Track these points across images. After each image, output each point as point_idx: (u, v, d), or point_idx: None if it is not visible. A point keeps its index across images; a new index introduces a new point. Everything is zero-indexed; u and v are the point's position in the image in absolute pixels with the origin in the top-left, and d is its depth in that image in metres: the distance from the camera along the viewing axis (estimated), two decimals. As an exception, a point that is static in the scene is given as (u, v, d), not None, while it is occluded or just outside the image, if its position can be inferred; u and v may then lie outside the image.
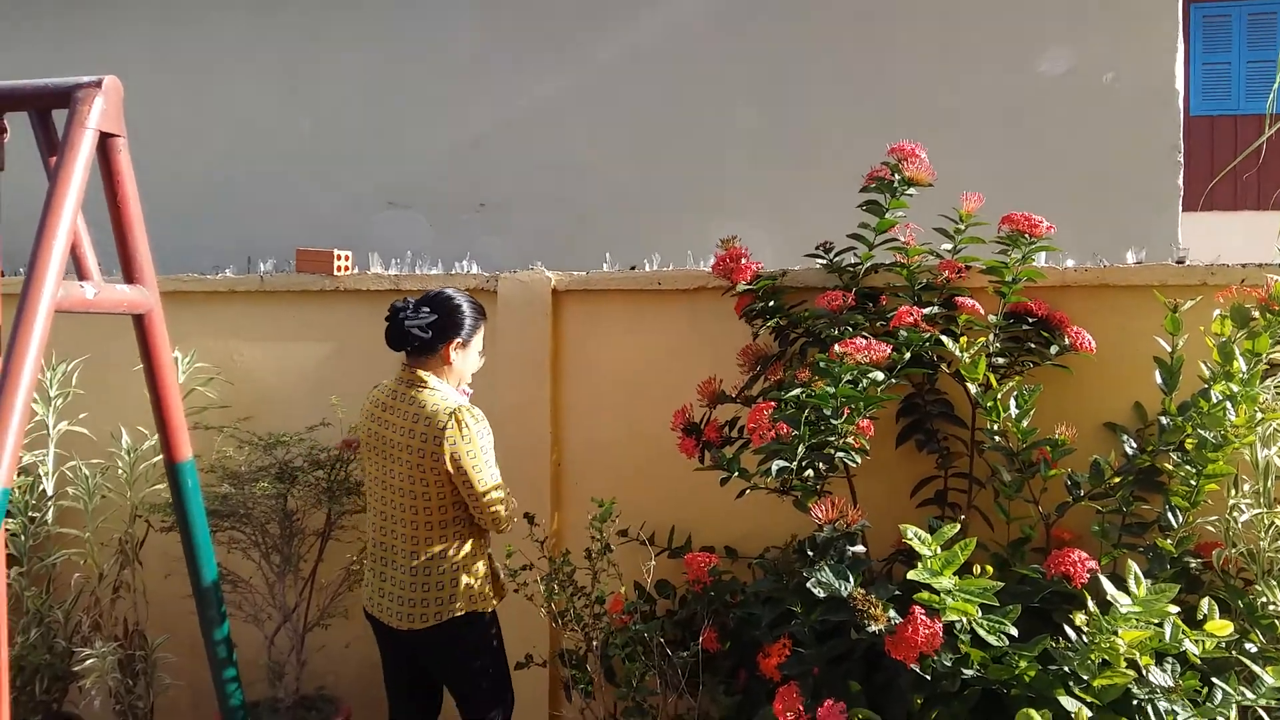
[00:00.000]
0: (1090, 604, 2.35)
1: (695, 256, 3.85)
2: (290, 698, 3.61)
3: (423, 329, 2.90)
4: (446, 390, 2.95)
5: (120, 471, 3.77)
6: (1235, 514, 2.84)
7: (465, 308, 3.02)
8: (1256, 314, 2.52)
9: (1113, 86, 4.00)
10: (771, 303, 3.41)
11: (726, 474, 2.87)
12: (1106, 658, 2.37)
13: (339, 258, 4.10)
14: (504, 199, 4.96)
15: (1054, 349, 3.20)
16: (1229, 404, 2.49)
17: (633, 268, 3.87)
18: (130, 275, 2.69)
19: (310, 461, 3.68)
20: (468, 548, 2.92)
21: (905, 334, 2.85)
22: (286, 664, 3.63)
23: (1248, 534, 2.86)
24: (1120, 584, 2.57)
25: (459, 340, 2.99)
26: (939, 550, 2.37)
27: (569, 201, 4.83)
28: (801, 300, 3.48)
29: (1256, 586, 2.77)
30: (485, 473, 2.85)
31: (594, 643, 2.86)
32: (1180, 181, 4.06)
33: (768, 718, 2.60)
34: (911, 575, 2.34)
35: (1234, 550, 2.80)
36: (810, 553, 2.67)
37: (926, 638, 2.31)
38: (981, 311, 3.17)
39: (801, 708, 2.51)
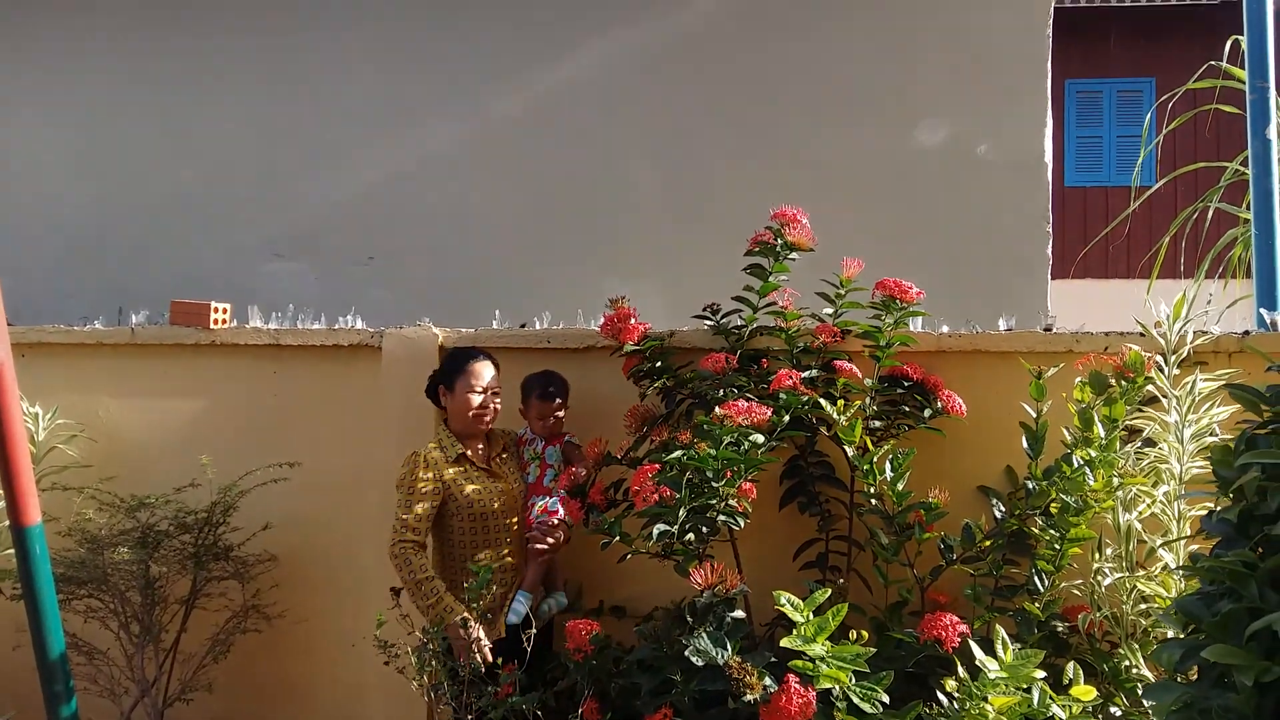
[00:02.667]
0: (960, 670, 2.38)
1: (586, 315, 3.85)
2: (149, 782, 3.41)
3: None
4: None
5: (-32, 535, 3.53)
6: (1099, 578, 2.93)
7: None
8: (1114, 381, 2.61)
9: (986, 157, 4.17)
10: (659, 364, 3.42)
11: (607, 539, 2.83)
12: (976, 723, 2.40)
13: (216, 310, 3.96)
14: (395, 252, 4.90)
15: (927, 412, 3.28)
16: (1088, 469, 2.58)
17: (523, 325, 3.84)
18: (-23, 329, 2.55)
19: (177, 525, 3.51)
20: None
21: (785, 397, 2.88)
22: (145, 744, 3.43)
23: (1112, 597, 2.95)
24: (990, 648, 2.62)
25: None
26: (811, 616, 2.37)
27: (461, 255, 4.79)
28: (689, 361, 3.50)
29: (1120, 650, 2.85)
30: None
31: (469, 718, 2.77)
32: (1049, 250, 4.24)
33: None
34: (785, 642, 2.34)
35: (1099, 614, 2.88)
36: (689, 619, 2.65)
37: (800, 707, 2.30)
38: (859, 375, 3.23)
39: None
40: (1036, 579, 2.81)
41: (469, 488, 3.28)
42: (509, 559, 3.31)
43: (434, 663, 2.78)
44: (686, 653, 2.45)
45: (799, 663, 2.40)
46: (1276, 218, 3.83)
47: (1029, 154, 4.16)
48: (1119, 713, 2.80)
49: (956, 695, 2.40)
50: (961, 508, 3.16)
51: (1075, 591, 3.00)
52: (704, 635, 2.45)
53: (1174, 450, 2.88)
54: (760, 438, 2.75)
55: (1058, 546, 2.75)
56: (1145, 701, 2.62)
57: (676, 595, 3.34)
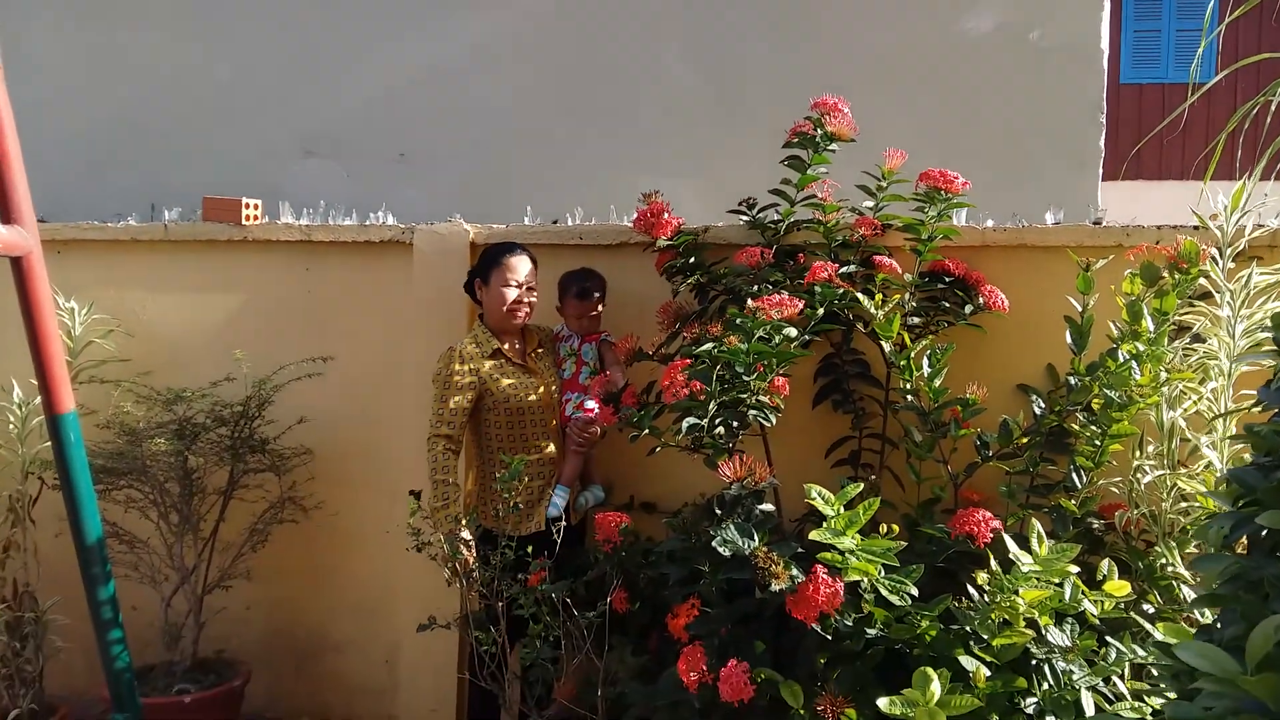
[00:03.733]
0: (993, 563, 2.34)
1: (619, 212, 3.77)
2: (187, 660, 3.50)
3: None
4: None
5: (11, 426, 3.59)
6: (1139, 475, 2.87)
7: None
8: (1166, 273, 2.51)
9: (1038, 44, 3.97)
10: (692, 259, 3.35)
11: (636, 431, 2.80)
12: (1007, 617, 2.38)
13: (247, 206, 3.94)
14: (426, 149, 4.81)
15: (968, 309, 3.20)
16: (1134, 363, 2.49)
17: (554, 222, 3.78)
18: (7, 215, 2.54)
19: (213, 418, 3.54)
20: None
21: (820, 290, 2.81)
22: (184, 626, 3.52)
23: (1150, 495, 2.89)
24: (1024, 544, 2.59)
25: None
26: (841, 510, 2.34)
27: (493, 153, 4.69)
28: (723, 257, 3.43)
29: (1156, 548, 2.80)
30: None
31: (500, 604, 2.80)
32: (1101, 143, 4.06)
33: (672, 678, 2.57)
34: (814, 535, 2.32)
35: (1136, 512, 2.82)
36: (718, 511, 2.63)
37: (828, 597, 2.29)
38: (898, 270, 3.15)
39: (705, 668, 2.49)
40: (1075, 475, 2.75)
41: (505, 382, 3.27)
42: (547, 453, 3.32)
43: (465, 549, 2.79)
44: (714, 543, 2.43)
45: (828, 554, 2.38)
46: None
47: (1084, 40, 3.95)
48: (1151, 609, 2.76)
49: (987, 589, 2.37)
50: (1001, 406, 3.09)
51: (1113, 490, 2.95)
52: (731, 526, 2.43)
53: (1224, 345, 2.78)
54: (793, 331, 2.69)
55: (1098, 443, 2.68)
56: (1193, 575, 2.59)
57: (707, 491, 3.36)
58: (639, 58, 4.80)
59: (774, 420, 2.90)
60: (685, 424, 2.61)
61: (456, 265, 3.67)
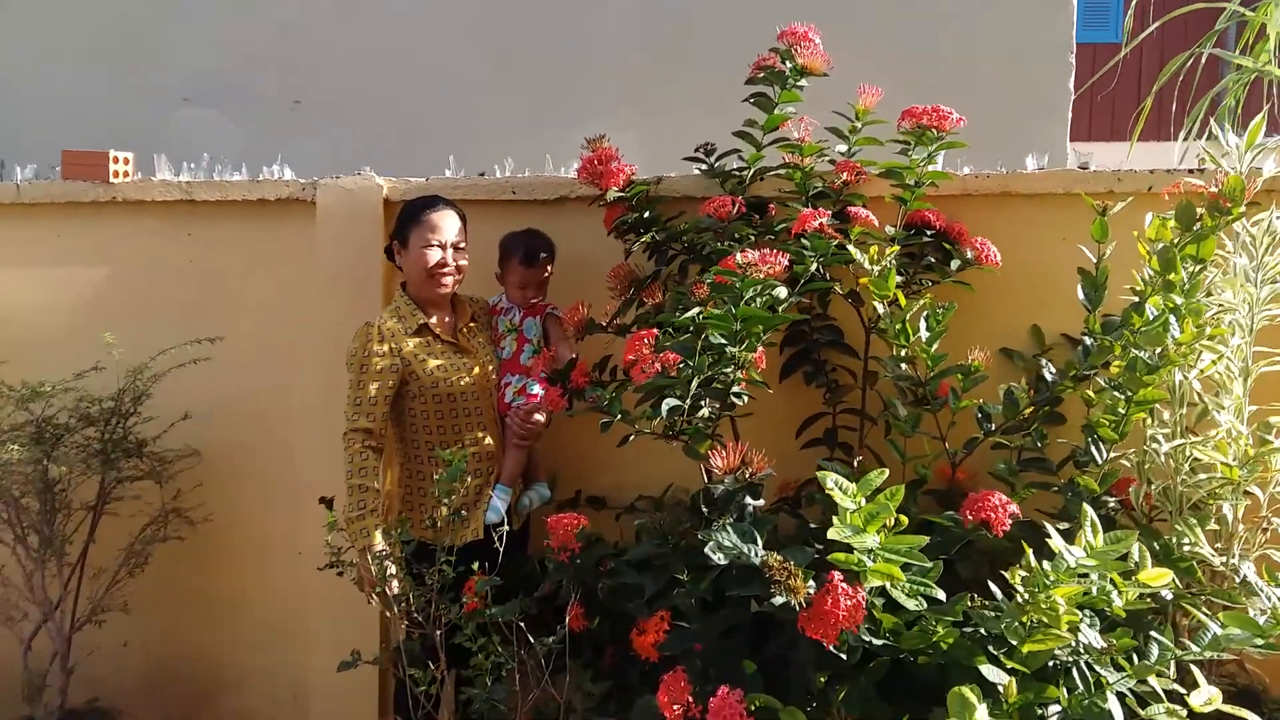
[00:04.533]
0: (1031, 556, 2.01)
1: (555, 164, 3.32)
2: (54, 714, 2.95)
3: None
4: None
5: None
6: (1153, 445, 2.58)
7: None
8: (1205, 214, 2.20)
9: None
10: (646, 214, 2.93)
11: (608, 418, 2.37)
12: (1045, 619, 2.05)
13: (116, 161, 3.36)
14: (328, 97, 4.23)
15: (954, 264, 2.87)
16: (1172, 318, 2.17)
17: (481, 174, 3.30)
18: None
19: (79, 416, 2.99)
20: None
21: (809, 242, 2.42)
22: (49, 673, 2.99)
23: (1160, 468, 2.61)
24: (1034, 532, 2.29)
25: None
26: (863, 502, 1.97)
27: (404, 101, 4.13)
28: (679, 212, 3.04)
29: (1177, 526, 2.51)
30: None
31: (439, 633, 2.35)
32: (1071, 85, 3.78)
33: (649, 711, 2.17)
34: (832, 533, 1.94)
35: (1152, 487, 2.54)
36: (705, 509, 2.24)
37: (849, 611, 1.92)
38: (876, 223, 2.78)
39: (690, 698, 2.09)
40: (1094, 448, 2.44)
41: (432, 363, 2.81)
42: (484, 446, 2.87)
43: (398, 570, 2.33)
44: (708, 549, 2.03)
45: (841, 556, 2.01)
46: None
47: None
48: (1170, 596, 2.49)
49: (1025, 587, 2.03)
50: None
51: (1124, 463, 2.65)
52: (729, 529, 2.04)
53: (1246, 297, 2.50)
54: (783, 291, 2.30)
55: (1122, 410, 2.36)
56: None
57: (661, 483, 3.05)
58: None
59: (744, 399, 2.52)
60: (665, 406, 2.20)
61: (369, 226, 3.19)
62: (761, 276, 2.14)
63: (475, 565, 2.39)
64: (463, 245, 2.89)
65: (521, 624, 2.31)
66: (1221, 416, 2.53)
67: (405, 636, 2.39)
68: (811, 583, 1.95)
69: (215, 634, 3.41)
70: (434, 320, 2.87)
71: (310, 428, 3.21)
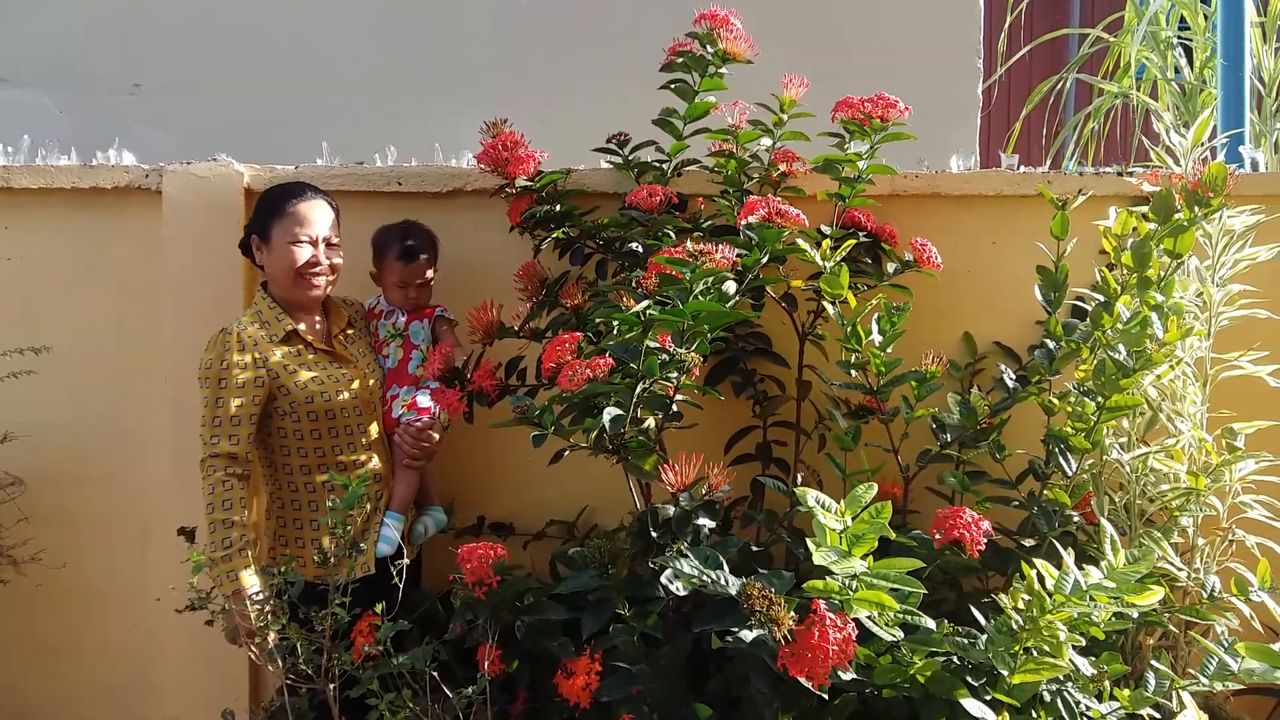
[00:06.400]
0: (1035, 580, 1.77)
1: (445, 153, 2.96)
2: None
3: None
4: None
5: None
6: (1110, 455, 2.42)
7: None
8: (1182, 206, 2.05)
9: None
10: (558, 207, 2.61)
11: (540, 431, 2.02)
12: (1045, 646, 1.82)
13: (-90, 141, 2.80)
14: (173, 80, 3.70)
15: (890, 267, 2.68)
16: (1155, 317, 2.01)
17: (360, 163, 2.90)
18: None
19: None
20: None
21: (756, 232, 2.15)
22: None
23: (1115, 478, 2.46)
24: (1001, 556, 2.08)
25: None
26: (849, 521, 1.69)
27: (264, 86, 3.65)
28: (593, 207, 2.73)
29: (1142, 541, 2.35)
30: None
31: (332, 687, 1.93)
32: (979, 91, 3.69)
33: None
34: (818, 558, 1.65)
35: (1119, 498, 2.38)
36: (653, 533, 1.91)
37: (839, 645, 1.63)
38: (805, 222, 2.54)
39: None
40: (1062, 459, 2.25)
41: (305, 375, 2.40)
42: (369, 469, 2.46)
43: (281, 618, 1.90)
44: (663, 577, 1.71)
45: (820, 584, 1.73)
46: (1246, 44, 3.41)
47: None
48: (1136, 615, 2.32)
49: (1022, 611, 1.80)
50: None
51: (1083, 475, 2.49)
52: (689, 554, 1.72)
53: (1206, 297, 2.39)
54: (733, 286, 2.02)
55: (1092, 417, 2.18)
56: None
57: (572, 506, 2.77)
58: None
59: (675, 408, 2.23)
60: (607, 416, 1.87)
61: (226, 220, 2.77)
62: (722, 267, 1.86)
63: (378, 606, 1.99)
64: (336, 241, 2.49)
65: (434, 673, 1.92)
66: (1182, 424, 2.40)
67: (290, 692, 1.96)
68: (793, 613, 1.65)
69: (48, 689, 2.91)
70: (303, 326, 2.46)
71: (157, 454, 2.74)
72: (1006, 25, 5.26)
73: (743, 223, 2.17)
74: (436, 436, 2.52)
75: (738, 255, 2.06)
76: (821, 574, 1.74)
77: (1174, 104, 4.62)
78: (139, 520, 2.80)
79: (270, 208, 2.45)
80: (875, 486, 1.76)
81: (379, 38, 3.80)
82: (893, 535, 1.75)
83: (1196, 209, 1.99)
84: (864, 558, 1.68)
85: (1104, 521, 1.84)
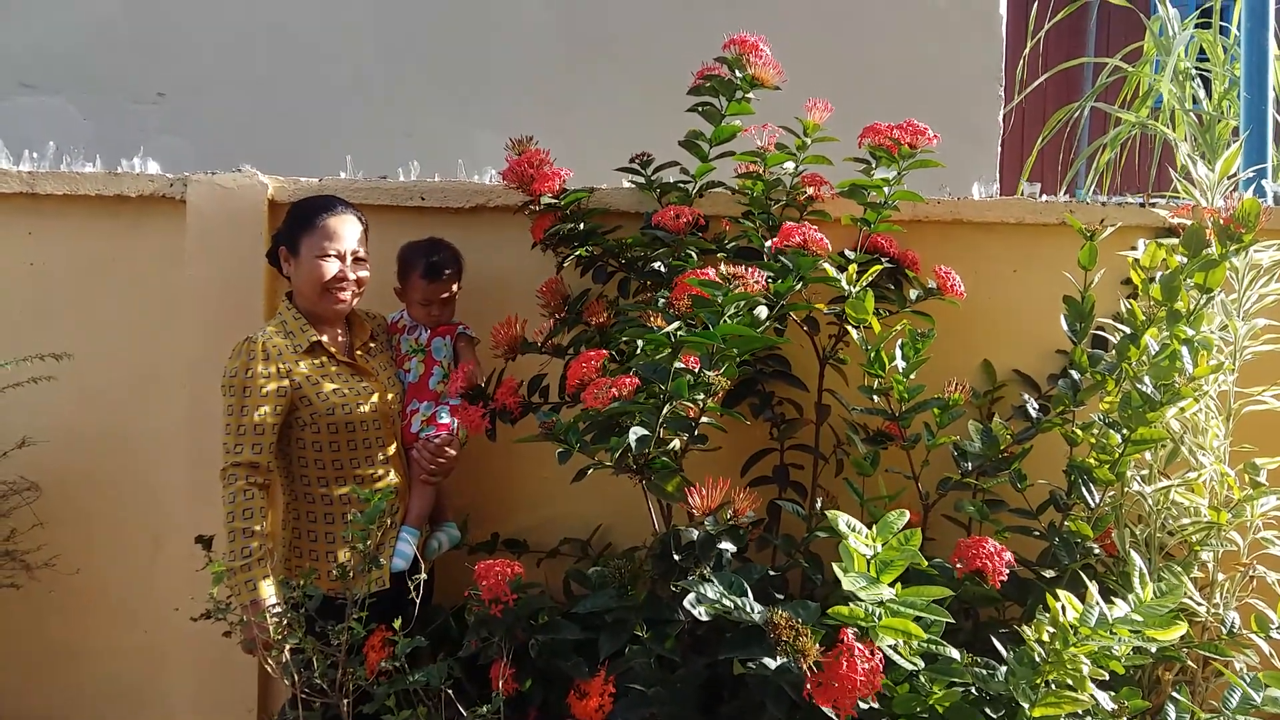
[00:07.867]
0: (1062, 613, 1.76)
1: (467, 170, 2.97)
2: None
3: None
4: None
5: None
6: (1134, 488, 2.40)
7: None
8: (1214, 240, 2.04)
9: (934, 3, 3.54)
10: (581, 226, 2.61)
11: (565, 447, 2.01)
12: (1068, 679, 1.80)
13: (-64, 145, 2.81)
14: (195, 89, 3.72)
15: (914, 294, 2.67)
16: (1185, 350, 2.00)
17: (384, 177, 2.91)
18: None
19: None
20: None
21: (791, 259, 2.15)
22: None
23: (1132, 512, 2.45)
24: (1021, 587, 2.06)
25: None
26: (879, 548, 1.68)
27: (288, 98, 3.67)
28: (615, 226, 2.73)
29: (1163, 575, 2.33)
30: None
31: (346, 702, 1.92)
32: (1000, 119, 3.69)
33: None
34: (847, 585, 1.64)
35: (1139, 531, 2.36)
36: (676, 556, 1.90)
37: (867, 675, 1.62)
38: (829, 247, 2.54)
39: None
40: (1085, 490, 2.24)
41: (327, 387, 2.39)
42: (386, 484, 2.45)
43: (298, 630, 1.89)
44: (686, 601, 1.70)
45: (844, 610, 1.71)
46: (1269, 77, 3.41)
47: (983, 3, 3.57)
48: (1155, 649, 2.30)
49: (1046, 643, 1.79)
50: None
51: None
52: (715, 579, 1.71)
53: (1231, 330, 2.38)
54: (765, 310, 2.02)
55: (1117, 450, 2.17)
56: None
57: (584, 523, 2.76)
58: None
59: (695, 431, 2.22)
60: (632, 436, 1.86)
61: (249, 230, 2.77)
62: (754, 290, 1.85)
63: (396, 621, 1.98)
64: (363, 255, 2.50)
65: (450, 690, 1.91)
66: (1204, 458, 2.38)
67: (304, 705, 1.95)
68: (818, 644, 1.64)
69: (57, 695, 2.90)
70: (326, 338, 2.46)
71: (174, 461, 2.73)
72: (1025, 53, 5.28)
73: (776, 248, 2.16)
74: (454, 452, 2.51)
75: (769, 280, 2.07)
76: (843, 599, 1.73)
77: (1191, 134, 4.62)
78: (152, 527, 2.80)
79: (301, 220, 2.45)
80: (906, 513, 1.75)
81: (392, 56, 3.82)
82: (924, 563, 1.73)
83: (1228, 243, 1.98)
84: (891, 585, 1.67)
85: (1133, 555, 1.83)
